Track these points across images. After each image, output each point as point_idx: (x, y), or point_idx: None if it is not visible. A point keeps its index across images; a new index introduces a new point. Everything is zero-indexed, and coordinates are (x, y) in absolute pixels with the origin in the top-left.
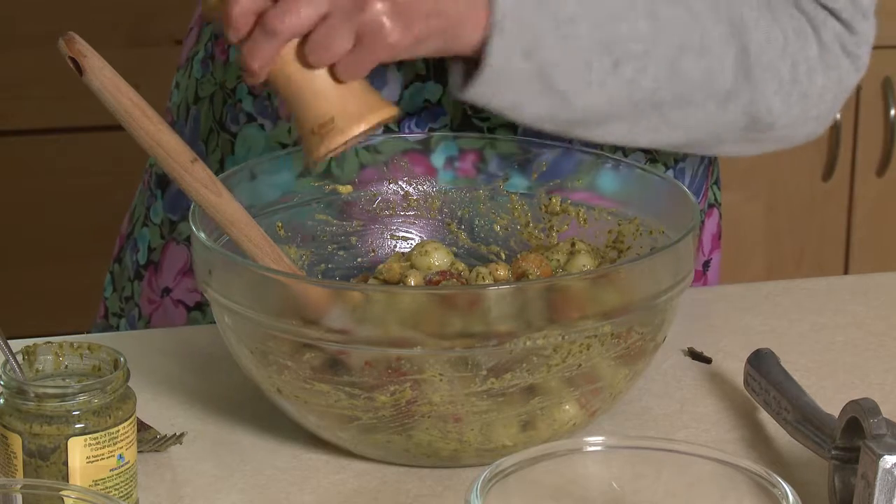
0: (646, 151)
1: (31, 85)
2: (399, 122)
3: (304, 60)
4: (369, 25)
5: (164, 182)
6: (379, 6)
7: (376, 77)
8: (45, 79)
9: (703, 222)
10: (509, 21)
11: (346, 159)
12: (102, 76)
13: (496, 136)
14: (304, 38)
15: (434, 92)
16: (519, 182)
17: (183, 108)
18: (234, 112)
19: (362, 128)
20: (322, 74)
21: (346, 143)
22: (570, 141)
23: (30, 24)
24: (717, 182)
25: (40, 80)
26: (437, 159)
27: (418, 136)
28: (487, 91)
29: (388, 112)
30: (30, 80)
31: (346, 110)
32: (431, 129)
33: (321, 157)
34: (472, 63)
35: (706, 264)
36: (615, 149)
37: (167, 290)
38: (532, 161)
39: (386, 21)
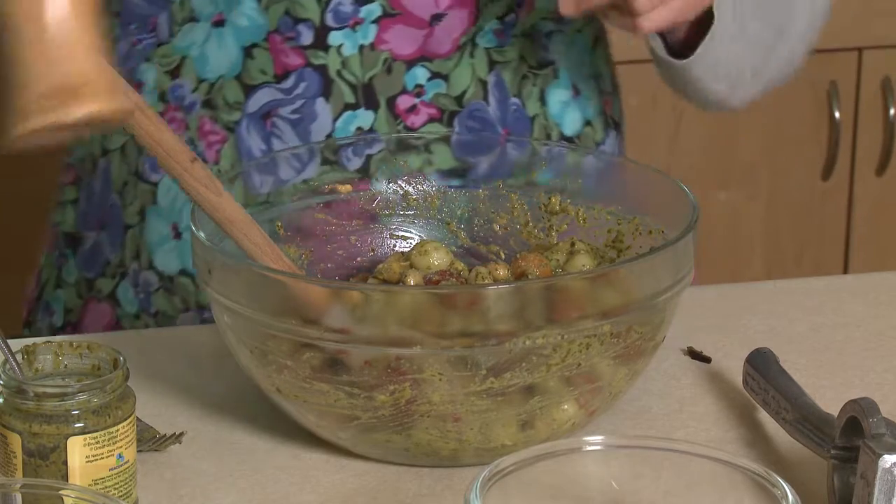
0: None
1: None
2: (336, 151)
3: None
4: None
5: (75, 240)
6: None
7: (306, 110)
8: None
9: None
10: None
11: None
12: None
13: (433, 153)
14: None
15: (366, 119)
16: (518, 181)
17: (89, 163)
18: (153, 160)
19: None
20: None
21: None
22: (551, 143)
23: None
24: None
25: None
26: (379, 184)
27: (356, 163)
28: (708, 49)
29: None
30: None
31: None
32: (369, 156)
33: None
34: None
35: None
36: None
37: None
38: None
39: None
